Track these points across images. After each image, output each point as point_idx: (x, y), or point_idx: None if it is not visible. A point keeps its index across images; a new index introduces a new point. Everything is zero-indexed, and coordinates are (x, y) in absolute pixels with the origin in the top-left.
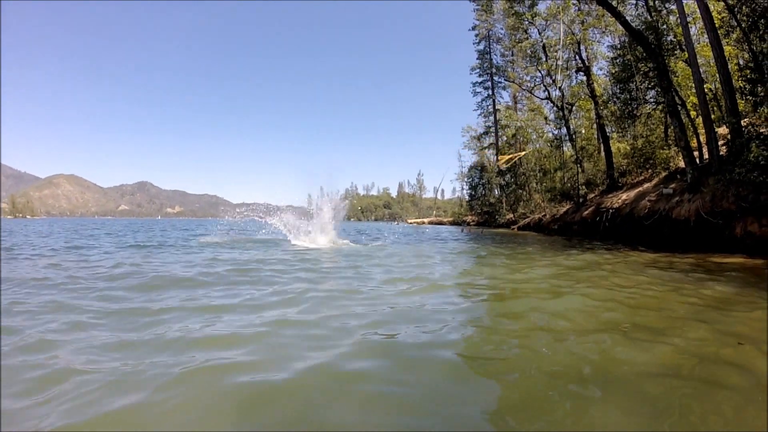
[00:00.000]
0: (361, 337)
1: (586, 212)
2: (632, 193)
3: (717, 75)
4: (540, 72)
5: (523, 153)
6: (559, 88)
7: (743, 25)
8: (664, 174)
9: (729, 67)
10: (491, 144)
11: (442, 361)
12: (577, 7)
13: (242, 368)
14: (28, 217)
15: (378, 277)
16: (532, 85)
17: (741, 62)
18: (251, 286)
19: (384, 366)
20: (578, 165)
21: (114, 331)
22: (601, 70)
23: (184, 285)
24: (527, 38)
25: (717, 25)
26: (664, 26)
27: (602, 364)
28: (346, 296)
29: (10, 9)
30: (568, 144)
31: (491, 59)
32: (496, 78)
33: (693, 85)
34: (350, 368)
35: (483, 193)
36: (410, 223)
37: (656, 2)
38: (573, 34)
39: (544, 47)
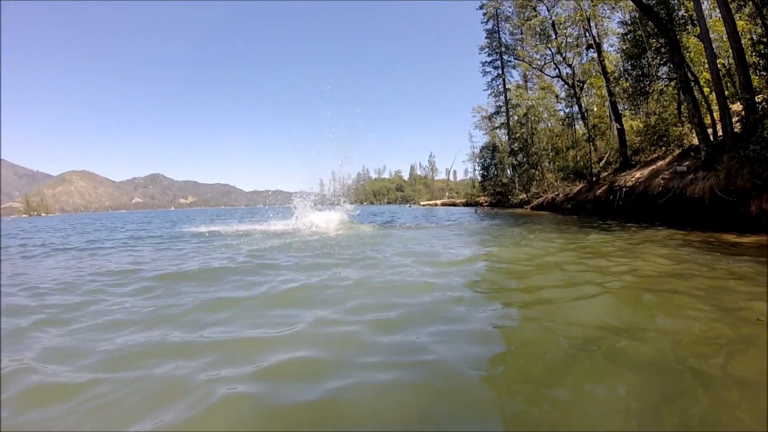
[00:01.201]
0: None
1: (600, 191)
2: (646, 171)
3: (730, 50)
4: (550, 50)
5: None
6: (570, 65)
7: None
8: (677, 151)
9: (742, 42)
10: (502, 124)
11: (474, 334)
12: None
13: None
14: (42, 214)
15: (397, 260)
16: (543, 63)
17: (754, 37)
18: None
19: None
20: (591, 143)
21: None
22: (612, 46)
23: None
24: (536, 16)
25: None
26: (676, 1)
27: (626, 335)
28: (374, 280)
29: (14, 7)
30: (580, 122)
31: (500, 38)
32: (505, 57)
33: (705, 60)
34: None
35: (495, 173)
36: (423, 205)
37: None
38: (582, 10)
39: (553, 24)
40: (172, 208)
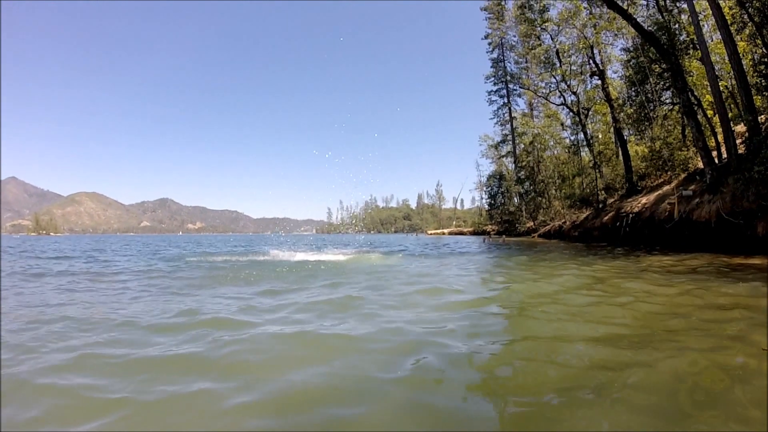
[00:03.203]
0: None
1: (606, 217)
2: (652, 197)
3: (732, 72)
4: (555, 78)
5: None
6: (574, 92)
7: (755, 20)
8: (683, 175)
9: (743, 63)
10: (509, 152)
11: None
12: (588, 11)
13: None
14: (51, 234)
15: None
16: (548, 91)
17: (755, 57)
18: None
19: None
20: (597, 170)
21: None
22: (615, 73)
23: None
24: (540, 44)
25: (729, 22)
26: (676, 26)
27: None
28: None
29: (32, 23)
30: (586, 149)
31: (505, 67)
32: (511, 86)
33: (708, 83)
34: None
35: (502, 201)
36: (430, 234)
37: (667, 2)
38: (585, 38)
39: (557, 53)
40: (180, 233)
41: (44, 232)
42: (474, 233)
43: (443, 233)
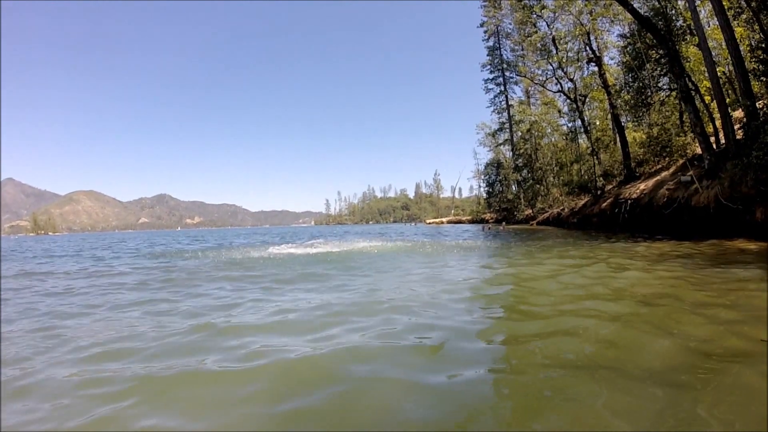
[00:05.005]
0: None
1: (605, 204)
2: (650, 183)
3: (729, 57)
4: (551, 65)
5: None
6: (571, 79)
7: (752, 5)
8: (681, 161)
9: (741, 48)
10: (506, 140)
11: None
12: None
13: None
14: (50, 233)
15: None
16: (544, 78)
17: (753, 43)
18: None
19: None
20: (595, 157)
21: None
22: (612, 59)
23: None
24: (536, 32)
25: (726, 7)
26: (673, 11)
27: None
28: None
29: (28, 23)
30: (584, 136)
31: (501, 55)
32: (507, 73)
33: (705, 69)
34: None
35: (500, 189)
36: (429, 223)
37: None
38: (582, 24)
39: (553, 40)
40: (179, 229)
41: (43, 231)
42: (472, 222)
43: (442, 222)
